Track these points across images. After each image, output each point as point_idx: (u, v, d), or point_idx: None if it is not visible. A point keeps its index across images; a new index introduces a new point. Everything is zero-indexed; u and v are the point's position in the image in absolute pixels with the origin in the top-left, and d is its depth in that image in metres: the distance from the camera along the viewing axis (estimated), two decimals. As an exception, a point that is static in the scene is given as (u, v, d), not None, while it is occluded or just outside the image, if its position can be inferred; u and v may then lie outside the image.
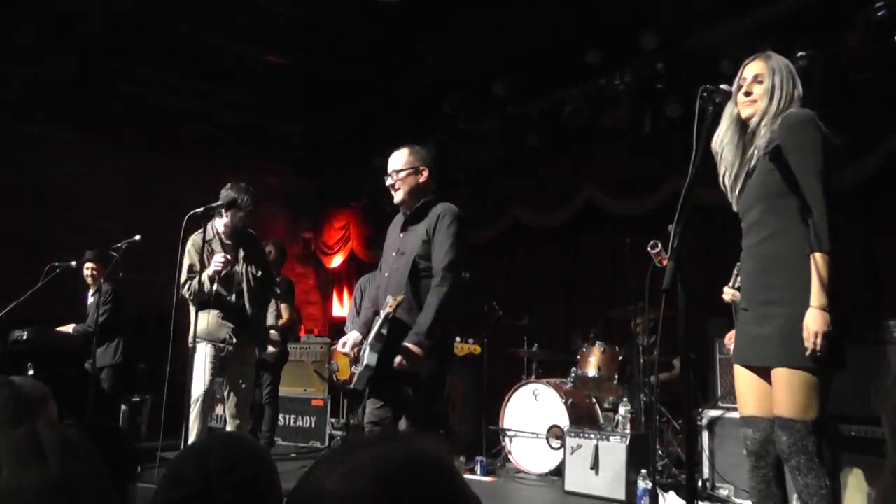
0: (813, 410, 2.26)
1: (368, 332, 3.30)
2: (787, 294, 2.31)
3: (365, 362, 3.18)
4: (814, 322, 2.19)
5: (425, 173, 3.41)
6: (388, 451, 0.76)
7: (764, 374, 2.42)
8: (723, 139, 2.54)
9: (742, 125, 2.52)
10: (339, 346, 3.56)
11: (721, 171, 2.57)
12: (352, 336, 3.41)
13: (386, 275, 3.41)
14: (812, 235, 2.26)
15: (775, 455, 2.41)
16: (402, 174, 3.40)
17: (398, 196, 3.43)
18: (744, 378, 2.51)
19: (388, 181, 3.44)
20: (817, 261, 2.23)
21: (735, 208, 2.59)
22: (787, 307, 2.31)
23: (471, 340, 5.40)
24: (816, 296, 2.21)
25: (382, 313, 3.18)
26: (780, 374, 2.32)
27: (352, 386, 3.32)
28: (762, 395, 2.43)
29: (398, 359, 3.06)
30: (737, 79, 2.52)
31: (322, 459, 0.81)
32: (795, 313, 2.26)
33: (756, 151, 2.45)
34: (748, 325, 2.46)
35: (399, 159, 3.44)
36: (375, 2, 5.47)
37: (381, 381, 3.22)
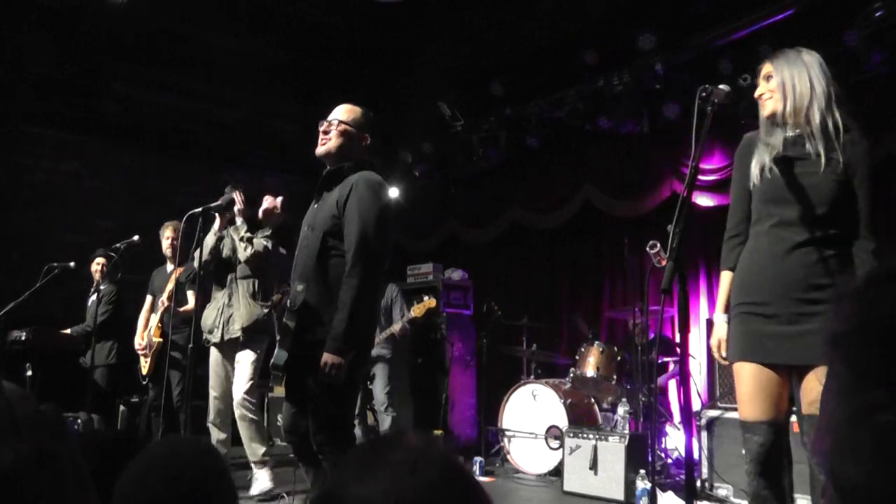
0: None
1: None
2: None
3: (272, 361, 2.81)
4: None
5: (367, 141, 3.02)
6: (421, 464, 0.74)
7: (786, 373, 2.33)
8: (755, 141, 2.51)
9: (772, 123, 2.46)
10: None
11: (753, 165, 2.46)
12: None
13: (297, 253, 3.00)
14: (866, 262, 2.32)
15: (780, 460, 2.35)
16: (344, 127, 2.95)
17: (324, 146, 2.95)
18: (756, 379, 2.35)
19: (323, 126, 2.97)
20: None
21: (754, 183, 2.45)
22: None
23: (425, 297, 5.28)
24: None
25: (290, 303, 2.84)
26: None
27: (270, 384, 3.05)
28: (776, 397, 2.34)
29: (324, 370, 2.65)
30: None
31: (342, 469, 0.78)
32: None
33: (809, 144, 2.37)
34: (774, 322, 2.34)
35: (349, 112, 3.01)
36: (375, 1, 5.48)
37: (292, 381, 2.90)
